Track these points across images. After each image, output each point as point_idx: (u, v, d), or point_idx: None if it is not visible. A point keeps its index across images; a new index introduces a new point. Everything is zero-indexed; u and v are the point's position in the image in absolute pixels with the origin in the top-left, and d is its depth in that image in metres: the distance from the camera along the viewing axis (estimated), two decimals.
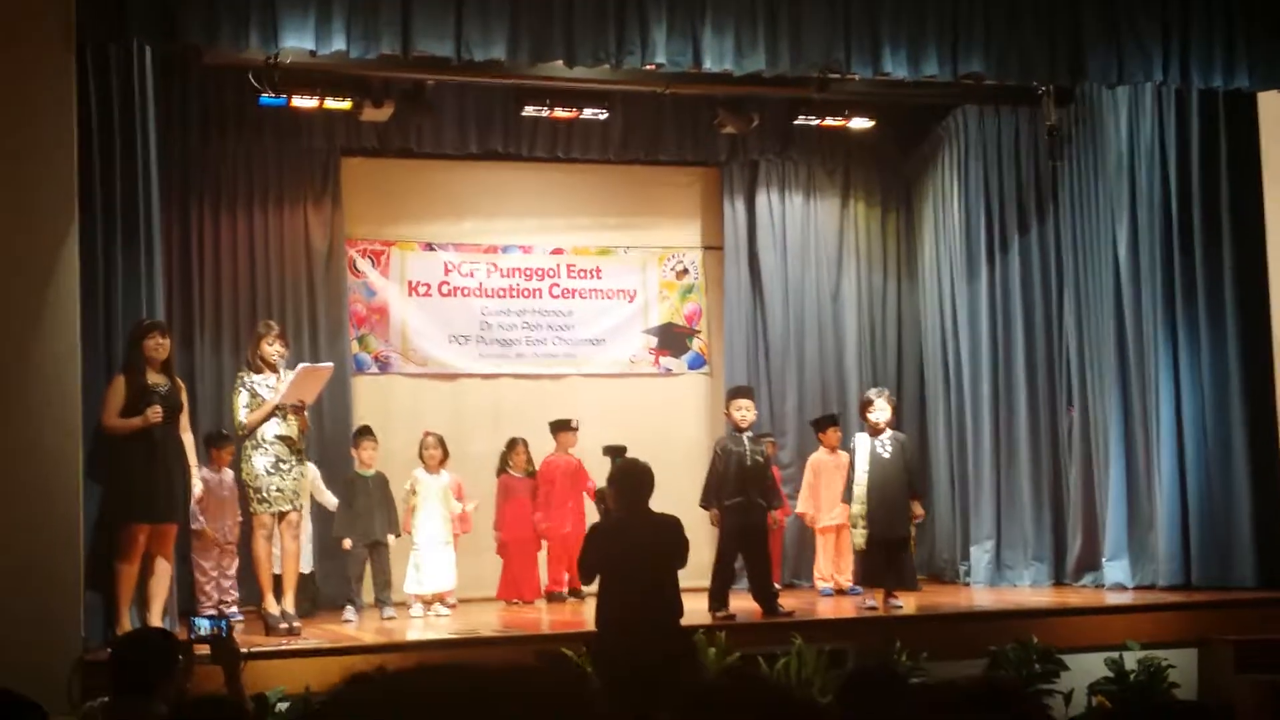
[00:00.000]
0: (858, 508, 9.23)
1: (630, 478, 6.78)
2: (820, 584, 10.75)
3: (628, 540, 6.60)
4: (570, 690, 1.72)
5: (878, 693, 3.51)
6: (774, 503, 9.57)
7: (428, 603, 9.85)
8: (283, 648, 7.62)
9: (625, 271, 12.03)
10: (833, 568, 10.73)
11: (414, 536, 9.91)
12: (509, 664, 1.73)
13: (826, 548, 10.80)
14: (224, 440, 10.10)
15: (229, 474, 10.08)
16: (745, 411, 9.36)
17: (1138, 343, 9.98)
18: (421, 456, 10.05)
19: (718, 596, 8.81)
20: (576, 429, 10.82)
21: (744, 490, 9.10)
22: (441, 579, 9.93)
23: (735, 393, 9.74)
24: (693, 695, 2.26)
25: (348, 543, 9.76)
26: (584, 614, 9.33)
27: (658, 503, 6.74)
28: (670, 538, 6.67)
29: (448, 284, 11.62)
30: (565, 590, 10.54)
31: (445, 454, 10.08)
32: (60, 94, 7.26)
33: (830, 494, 10.66)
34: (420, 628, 9.21)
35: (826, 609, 9.82)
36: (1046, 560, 10.71)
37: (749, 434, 9.34)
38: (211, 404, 10.64)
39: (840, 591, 10.53)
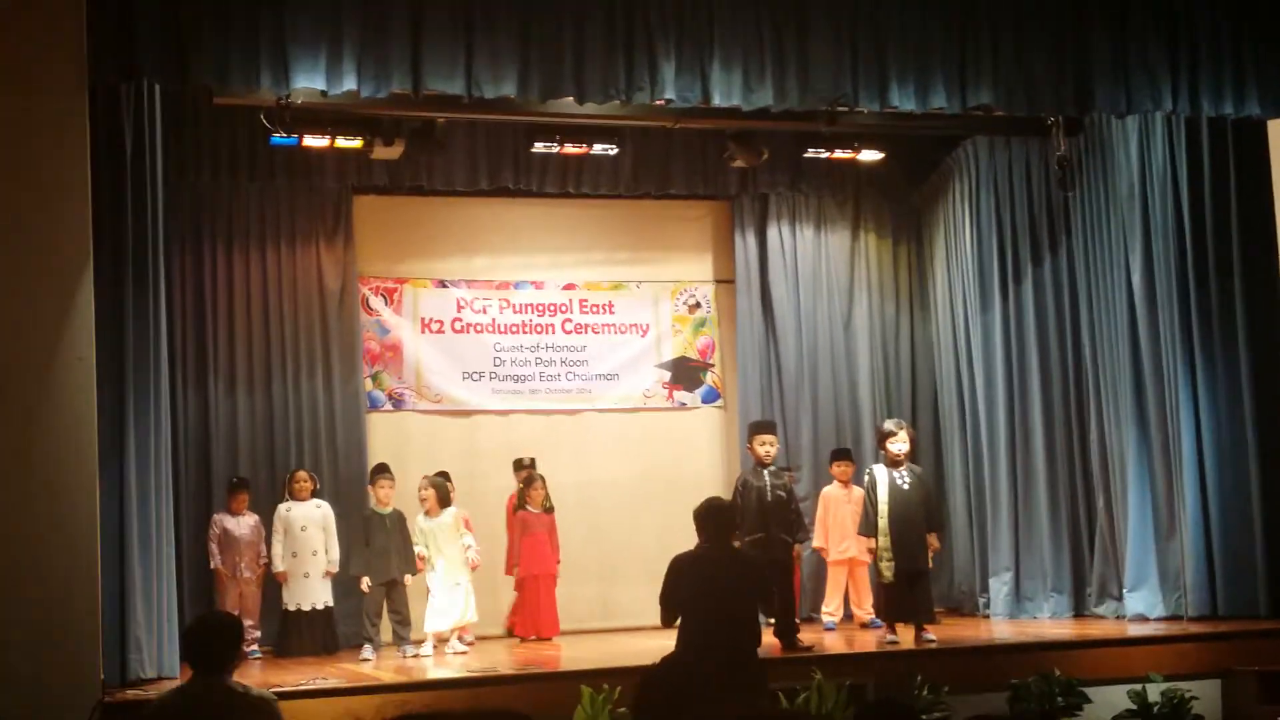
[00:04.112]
0: (883, 540, 9.17)
1: (714, 514, 6.80)
2: (826, 618, 10.69)
3: (708, 573, 6.61)
4: None
5: None
6: (798, 536, 9.54)
7: (444, 639, 9.79)
8: (302, 687, 7.58)
9: (637, 306, 12.04)
10: (851, 602, 10.68)
11: (428, 580, 9.85)
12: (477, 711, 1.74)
13: (837, 581, 10.74)
14: (241, 486, 10.19)
15: (249, 518, 10.13)
16: (769, 447, 9.36)
17: (1155, 371, 9.94)
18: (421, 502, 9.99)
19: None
20: (532, 465, 10.83)
21: (765, 525, 9.08)
22: (459, 614, 9.84)
23: (759, 428, 9.72)
24: None
25: (366, 582, 9.75)
26: (603, 650, 9.29)
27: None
28: (751, 573, 6.81)
29: (460, 320, 11.63)
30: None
31: (442, 495, 9.92)
32: (74, 135, 7.28)
33: (839, 528, 10.64)
34: (437, 666, 9.16)
35: (846, 643, 9.75)
36: (1066, 591, 10.63)
37: (770, 469, 9.32)
38: (226, 445, 10.66)
39: (863, 625, 10.47)
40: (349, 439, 11.00)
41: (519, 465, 10.91)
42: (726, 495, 9.76)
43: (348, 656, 9.62)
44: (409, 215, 11.55)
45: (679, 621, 6.60)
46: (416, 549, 9.82)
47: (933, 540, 9.31)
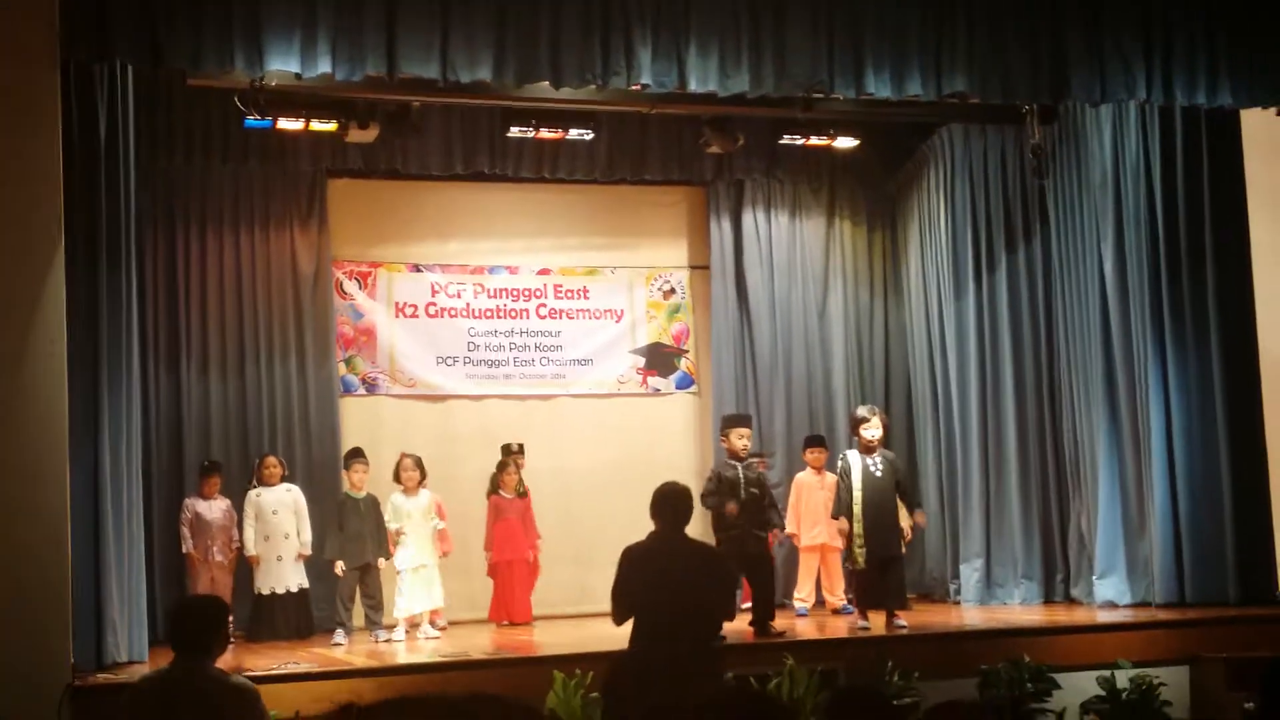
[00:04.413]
0: (856, 526, 9.22)
1: (671, 500, 6.46)
2: (797, 604, 10.73)
3: (662, 565, 6.30)
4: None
5: (863, 713, 3.50)
6: (773, 522, 9.57)
7: (416, 624, 9.80)
8: (272, 672, 7.57)
9: (612, 291, 12.03)
10: (824, 588, 10.72)
11: (395, 560, 9.85)
12: (474, 693, 1.76)
13: (809, 567, 10.78)
14: (213, 469, 10.16)
15: (220, 502, 10.11)
16: (746, 440, 9.39)
17: (1125, 360, 9.99)
18: (399, 479, 10.00)
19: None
20: (519, 452, 10.84)
21: (740, 522, 9.12)
22: (428, 598, 9.87)
23: (737, 420, 9.70)
24: (701, 707, 2.26)
25: (340, 566, 9.74)
26: (577, 635, 9.30)
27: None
28: (711, 566, 6.45)
29: (435, 305, 11.61)
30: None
31: (423, 474, 10.02)
32: (45, 116, 7.25)
33: (811, 514, 10.67)
34: (410, 651, 9.17)
35: (818, 629, 9.80)
36: (1036, 578, 10.69)
37: (744, 462, 9.34)
38: (198, 428, 10.62)
39: (835, 611, 10.51)
40: (322, 423, 10.97)
41: (507, 450, 10.89)
42: (700, 482, 9.82)
43: (321, 640, 9.61)
44: (384, 199, 11.51)
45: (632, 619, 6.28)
46: (390, 526, 9.81)
47: (918, 517, 9.43)
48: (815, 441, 11.02)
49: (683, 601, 6.21)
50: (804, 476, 10.89)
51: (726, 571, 6.57)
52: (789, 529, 10.75)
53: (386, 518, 9.89)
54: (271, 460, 10.24)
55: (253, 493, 10.12)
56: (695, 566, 6.36)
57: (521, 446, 10.92)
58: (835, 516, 9.49)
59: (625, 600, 6.30)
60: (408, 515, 9.85)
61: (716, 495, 9.21)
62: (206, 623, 5.21)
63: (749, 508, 9.17)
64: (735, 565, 9.08)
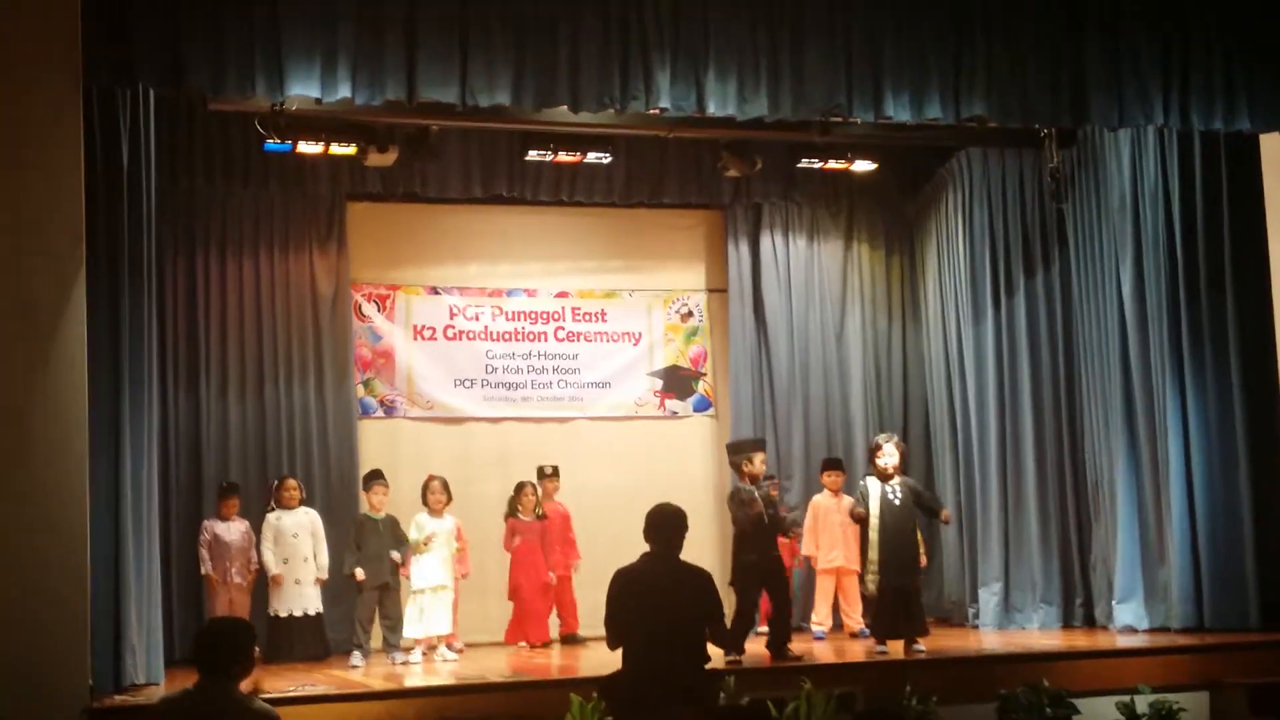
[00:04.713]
0: (872, 553, 9.19)
1: (663, 520, 6.42)
2: (815, 627, 10.69)
3: (652, 585, 6.27)
4: None
5: None
6: (791, 532, 9.62)
7: (434, 646, 9.80)
8: (290, 694, 7.57)
9: (630, 314, 12.05)
10: (841, 611, 10.68)
11: (414, 581, 9.85)
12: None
13: (825, 590, 10.75)
14: (231, 491, 10.18)
15: (239, 523, 10.13)
16: (761, 465, 9.39)
17: (1145, 384, 9.96)
18: (426, 500, 10.01)
19: (734, 640, 8.72)
20: (553, 475, 10.89)
21: (764, 545, 9.10)
22: (445, 622, 9.87)
23: (753, 445, 9.65)
24: None
25: (360, 572, 9.75)
26: (594, 659, 9.28)
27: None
28: (699, 589, 6.35)
29: (453, 328, 11.63)
30: (577, 632, 10.53)
31: (449, 498, 10.07)
32: (68, 139, 7.29)
33: (829, 536, 10.64)
34: (427, 673, 9.15)
35: (836, 653, 9.75)
36: (1055, 603, 10.65)
37: (760, 486, 9.33)
38: (216, 449, 10.64)
39: (853, 635, 10.47)
40: (340, 445, 10.99)
41: (540, 473, 10.90)
42: (718, 505, 9.80)
43: (337, 663, 9.61)
44: (402, 222, 11.55)
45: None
46: (412, 537, 9.82)
47: (944, 516, 9.60)
48: (832, 464, 11.00)
49: (669, 622, 6.17)
50: (821, 499, 10.87)
51: (713, 595, 6.43)
52: (806, 551, 10.74)
53: (411, 534, 9.89)
54: (291, 483, 10.25)
55: (271, 515, 10.13)
56: (681, 587, 6.30)
57: (556, 469, 10.92)
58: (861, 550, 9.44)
59: (617, 623, 6.28)
60: (432, 535, 9.87)
61: (741, 520, 9.14)
62: (233, 645, 5.25)
63: (768, 530, 9.15)
64: (755, 589, 9.07)
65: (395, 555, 9.84)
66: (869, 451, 9.73)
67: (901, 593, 9.14)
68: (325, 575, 10.11)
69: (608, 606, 6.34)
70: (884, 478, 9.30)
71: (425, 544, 9.83)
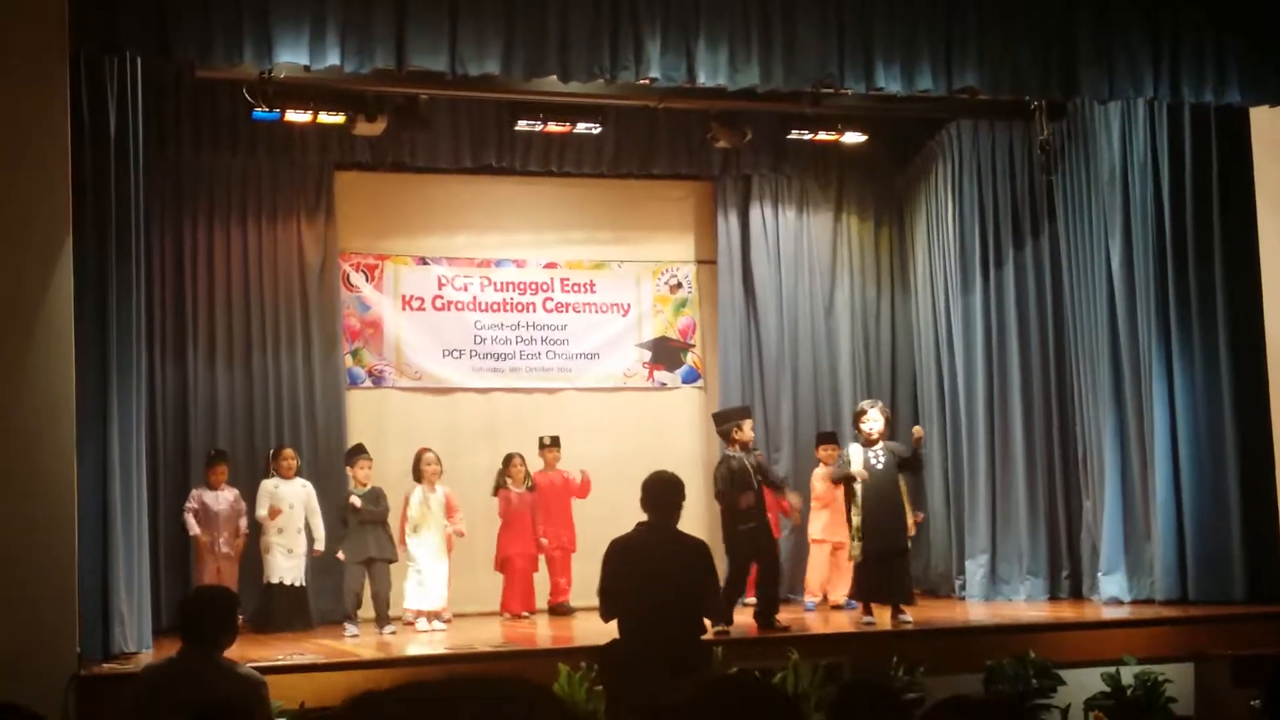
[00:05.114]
0: (856, 519, 9.23)
1: (661, 488, 6.28)
2: (806, 599, 10.73)
3: (648, 555, 6.18)
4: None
5: (870, 708, 3.49)
6: (779, 489, 9.76)
7: (431, 617, 9.82)
8: (279, 662, 7.58)
9: (619, 285, 12.03)
10: (829, 583, 10.71)
11: (412, 552, 9.87)
12: (486, 675, 1.78)
13: (818, 562, 10.78)
14: (220, 458, 10.15)
15: (227, 492, 10.10)
16: (750, 431, 9.41)
17: (1132, 356, 9.99)
18: (420, 472, 10.00)
19: (724, 611, 8.72)
20: (553, 445, 10.88)
21: (758, 513, 9.13)
22: (440, 594, 9.90)
23: (740, 413, 9.67)
24: (697, 695, 2.25)
25: (341, 554, 9.76)
26: (582, 628, 9.31)
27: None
28: (695, 559, 6.22)
29: (441, 298, 11.61)
30: (568, 601, 10.54)
31: (441, 469, 10.06)
32: (54, 107, 7.25)
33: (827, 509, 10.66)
34: (417, 643, 9.17)
35: (823, 623, 9.80)
36: (1042, 574, 10.70)
37: (750, 453, 9.35)
38: (204, 419, 10.63)
39: (836, 607, 10.50)
40: (328, 415, 10.98)
41: (541, 444, 10.90)
42: (706, 477, 9.82)
43: (323, 633, 9.62)
44: (391, 192, 11.51)
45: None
46: (412, 516, 9.83)
47: (916, 516, 9.56)
48: (827, 438, 10.98)
49: (664, 592, 6.10)
50: (818, 472, 10.87)
51: (708, 564, 6.35)
52: (813, 535, 10.72)
53: (411, 512, 9.88)
54: (288, 453, 10.21)
55: (269, 483, 10.07)
56: (677, 558, 6.21)
57: (556, 439, 10.92)
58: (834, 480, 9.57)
59: (612, 594, 6.21)
60: (430, 511, 9.87)
61: (729, 489, 9.17)
62: (216, 614, 5.27)
63: (759, 498, 9.18)
64: (746, 559, 9.09)
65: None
66: (854, 417, 9.76)
67: (885, 557, 9.17)
68: (322, 547, 10.08)
69: (602, 578, 6.27)
70: (868, 443, 9.33)
71: (421, 511, 9.83)
